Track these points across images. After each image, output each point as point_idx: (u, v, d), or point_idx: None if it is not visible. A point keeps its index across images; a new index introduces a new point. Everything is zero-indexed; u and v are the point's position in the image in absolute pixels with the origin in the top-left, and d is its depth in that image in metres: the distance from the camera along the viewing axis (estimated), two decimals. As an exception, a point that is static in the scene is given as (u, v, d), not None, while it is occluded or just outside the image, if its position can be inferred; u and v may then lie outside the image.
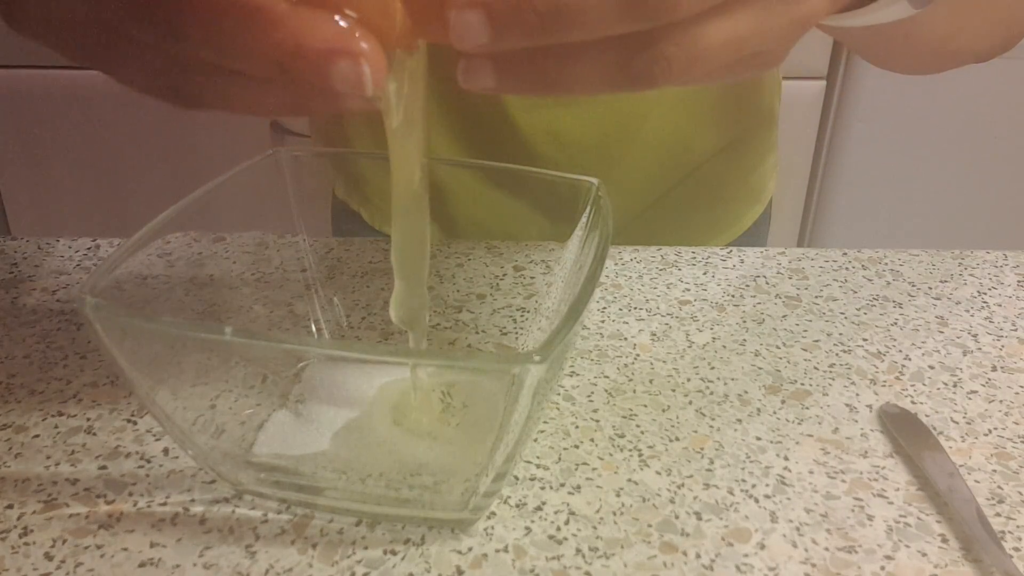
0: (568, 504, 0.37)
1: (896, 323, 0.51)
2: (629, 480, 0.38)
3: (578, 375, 0.45)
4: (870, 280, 0.55)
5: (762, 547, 0.35)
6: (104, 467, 0.38)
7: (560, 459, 0.40)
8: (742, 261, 0.57)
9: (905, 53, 0.50)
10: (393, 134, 0.32)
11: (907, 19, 0.37)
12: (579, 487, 0.38)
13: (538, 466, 0.39)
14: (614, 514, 0.37)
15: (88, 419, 0.41)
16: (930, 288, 0.54)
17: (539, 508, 0.37)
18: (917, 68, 0.51)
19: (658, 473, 0.39)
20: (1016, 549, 0.35)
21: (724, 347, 0.48)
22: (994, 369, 0.47)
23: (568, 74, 0.27)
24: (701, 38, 0.27)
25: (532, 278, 0.53)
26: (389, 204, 0.64)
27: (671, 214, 0.65)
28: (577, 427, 0.42)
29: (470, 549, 0.35)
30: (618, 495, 0.38)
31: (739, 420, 0.42)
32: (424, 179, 0.33)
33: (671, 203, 0.64)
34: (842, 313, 0.51)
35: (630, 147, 0.60)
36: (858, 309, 0.52)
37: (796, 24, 0.29)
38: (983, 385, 0.45)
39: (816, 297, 0.53)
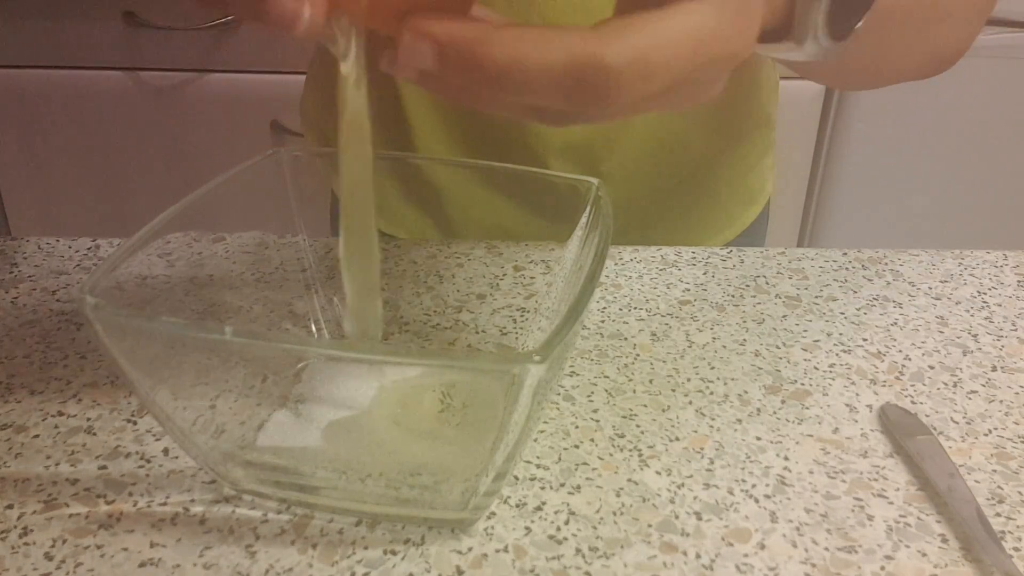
0: (568, 504, 0.37)
1: (896, 323, 0.51)
2: (629, 480, 0.38)
3: (578, 375, 0.45)
4: (870, 280, 0.55)
5: (762, 547, 0.35)
6: (104, 467, 0.38)
7: (560, 459, 0.40)
8: (742, 261, 0.57)
9: (829, 77, 0.51)
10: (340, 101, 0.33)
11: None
12: (579, 487, 0.38)
13: (538, 466, 0.39)
14: (614, 514, 0.37)
15: (88, 419, 0.41)
16: (930, 288, 0.54)
17: (539, 508, 0.37)
18: (850, 87, 0.53)
19: (658, 473, 0.39)
20: (1016, 549, 0.35)
21: (724, 347, 0.48)
22: (994, 369, 0.47)
23: (485, 101, 0.29)
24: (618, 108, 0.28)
25: (532, 278, 0.53)
26: (387, 201, 0.64)
27: (668, 213, 0.65)
28: (577, 427, 0.42)
29: (470, 549, 0.35)
30: (618, 495, 0.38)
31: (739, 420, 0.42)
32: (370, 171, 0.34)
33: (668, 202, 0.64)
34: (842, 313, 0.51)
35: (619, 144, 0.60)
36: (858, 309, 0.52)
37: (699, 98, 0.31)
38: (983, 385, 0.45)
39: (816, 297, 0.53)
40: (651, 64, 0.27)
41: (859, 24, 0.36)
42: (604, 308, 0.51)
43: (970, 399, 0.44)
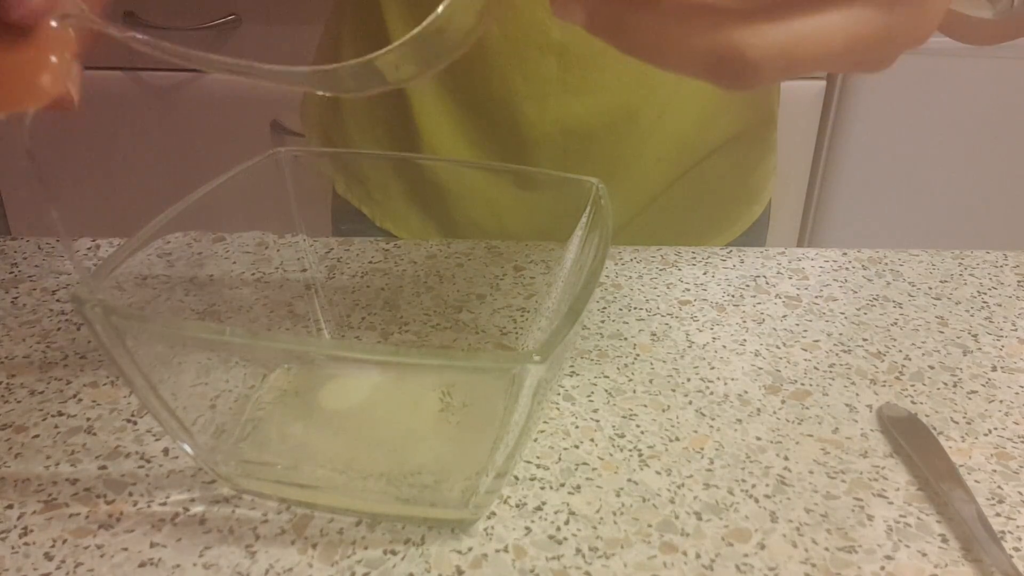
0: (568, 504, 0.37)
1: (896, 323, 0.51)
2: (629, 480, 0.38)
3: (578, 375, 0.45)
4: (870, 280, 0.55)
5: (762, 547, 0.35)
6: (104, 467, 0.38)
7: (560, 459, 0.40)
8: (742, 261, 0.57)
9: (988, 36, 0.48)
10: None
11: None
12: (579, 487, 0.38)
13: (538, 466, 0.39)
14: (614, 514, 0.37)
15: (88, 419, 0.41)
16: (930, 288, 0.54)
17: (539, 508, 0.37)
18: (996, 42, 0.50)
19: (658, 473, 0.39)
20: (1016, 549, 0.35)
21: (724, 347, 0.48)
22: (994, 369, 0.47)
23: (651, 36, 0.27)
24: (801, 31, 0.26)
25: (532, 278, 0.53)
26: (391, 201, 0.64)
27: (671, 212, 0.65)
28: (577, 427, 0.42)
29: (470, 549, 0.35)
30: (618, 495, 0.38)
31: (739, 420, 0.42)
32: None
33: (671, 201, 0.64)
34: (842, 313, 0.51)
35: (638, 140, 0.60)
36: (858, 309, 0.52)
37: (921, 31, 0.27)
38: (983, 385, 0.45)
39: (816, 297, 0.53)
40: (794, 59, 0.26)
41: None
42: (604, 308, 0.51)
43: (970, 399, 0.44)
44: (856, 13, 0.26)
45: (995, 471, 0.40)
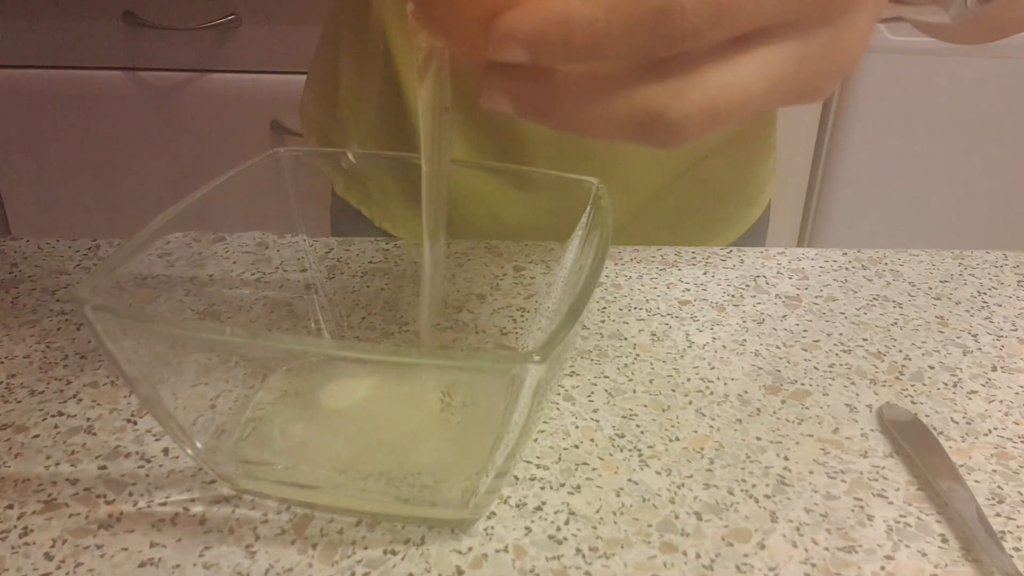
0: (568, 504, 0.37)
1: (896, 323, 0.51)
2: (629, 480, 0.38)
3: (578, 375, 0.45)
4: (870, 280, 0.55)
5: (762, 547, 0.35)
6: (104, 467, 0.38)
7: (560, 459, 0.40)
8: (742, 261, 0.57)
9: (957, 35, 0.47)
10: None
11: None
12: (579, 487, 0.38)
13: (538, 466, 0.39)
14: (614, 514, 0.37)
15: (88, 419, 0.41)
16: (930, 288, 0.54)
17: (539, 508, 0.37)
18: (972, 42, 0.49)
19: (658, 473, 0.39)
20: (1016, 549, 0.35)
21: (724, 347, 0.48)
22: (994, 369, 0.47)
23: (578, 110, 0.27)
24: (718, 83, 0.25)
25: (532, 278, 0.53)
26: (389, 202, 0.64)
27: (668, 214, 0.65)
28: (577, 427, 0.42)
29: (470, 549, 0.35)
30: (618, 495, 0.38)
31: (739, 420, 0.42)
32: (445, 187, 0.34)
33: (668, 203, 0.64)
34: (842, 313, 0.51)
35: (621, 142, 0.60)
36: (858, 309, 0.52)
37: (845, 60, 0.27)
38: (983, 385, 0.45)
39: (816, 297, 0.53)
40: (718, 112, 0.25)
41: None
42: (604, 308, 0.51)
43: (970, 399, 0.44)
44: (769, 54, 0.25)
45: (995, 471, 0.40)
